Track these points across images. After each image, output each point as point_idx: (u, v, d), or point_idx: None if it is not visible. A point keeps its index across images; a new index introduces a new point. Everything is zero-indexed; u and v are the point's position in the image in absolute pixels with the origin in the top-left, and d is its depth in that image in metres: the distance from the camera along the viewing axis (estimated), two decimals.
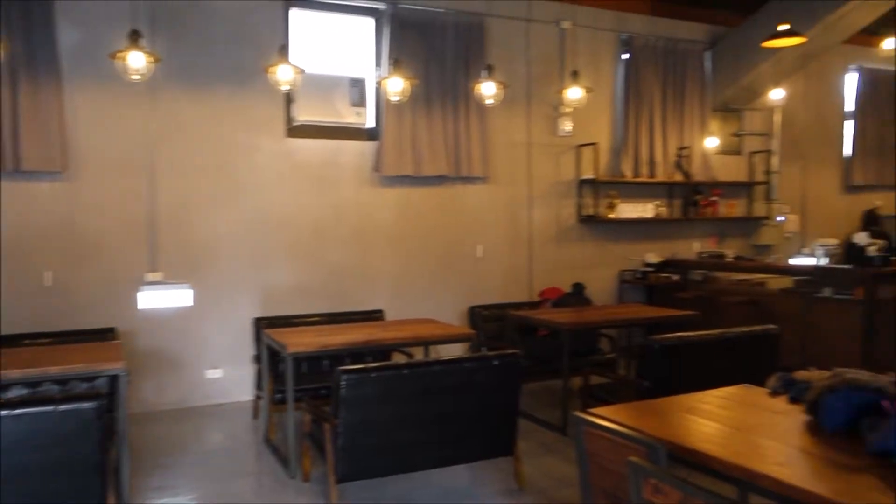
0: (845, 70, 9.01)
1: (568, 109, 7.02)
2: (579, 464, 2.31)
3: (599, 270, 7.41)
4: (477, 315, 6.23)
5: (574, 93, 6.19)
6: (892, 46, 7.53)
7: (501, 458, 3.89)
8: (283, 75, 4.96)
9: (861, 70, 9.01)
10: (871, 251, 6.02)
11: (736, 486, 2.14)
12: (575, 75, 6.19)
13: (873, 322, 5.75)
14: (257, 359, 5.28)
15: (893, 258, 6.17)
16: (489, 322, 6.17)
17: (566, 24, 7.11)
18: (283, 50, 5.08)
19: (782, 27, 5.81)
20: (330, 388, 3.47)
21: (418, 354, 5.05)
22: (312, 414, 3.82)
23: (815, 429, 2.25)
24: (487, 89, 5.63)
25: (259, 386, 5.25)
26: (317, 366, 5.06)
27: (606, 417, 2.31)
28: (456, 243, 6.75)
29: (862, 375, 2.28)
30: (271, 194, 5.99)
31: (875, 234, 6.57)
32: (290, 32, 6.02)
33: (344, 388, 3.32)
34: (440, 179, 6.60)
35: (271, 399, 4.71)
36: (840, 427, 2.19)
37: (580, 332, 5.39)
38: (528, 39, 6.98)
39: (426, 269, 6.62)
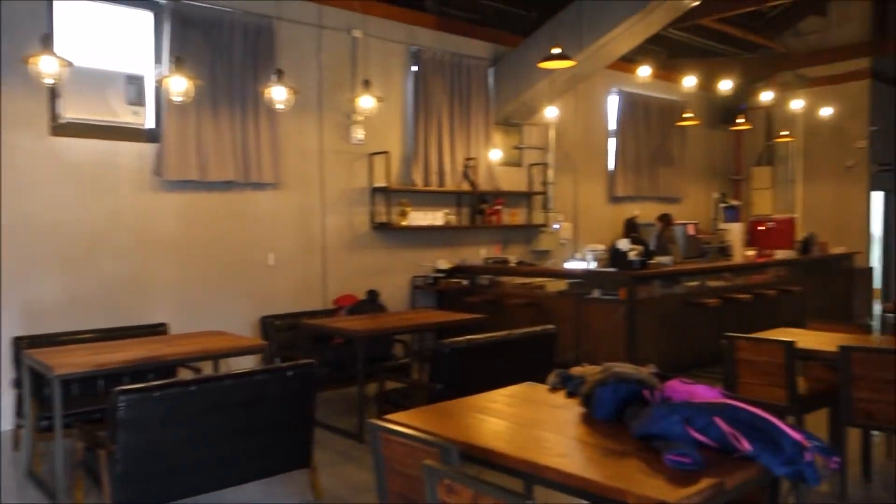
0: (608, 92, 9.99)
1: (360, 118, 7.08)
2: (376, 470, 2.33)
3: (393, 277, 7.54)
4: (269, 325, 6.06)
5: (366, 101, 6.25)
6: (646, 73, 8.49)
7: (298, 470, 3.81)
8: (46, 67, 4.49)
9: (621, 93, 10.05)
10: (632, 256, 6.72)
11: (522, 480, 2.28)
12: (366, 84, 6.26)
13: (635, 320, 6.41)
14: (17, 383, 4.71)
15: (650, 262, 6.94)
16: (282, 332, 6.03)
17: (357, 33, 7.17)
18: (47, 40, 4.59)
19: (555, 50, 6.31)
20: (106, 410, 3.19)
21: (207, 369, 4.80)
22: (85, 440, 3.48)
23: (590, 419, 2.46)
24: (278, 94, 5.51)
25: (20, 413, 4.69)
26: (91, 387, 4.62)
27: (400, 423, 2.35)
28: (246, 251, 6.52)
29: (627, 368, 2.53)
30: (34, 198, 5.39)
31: (635, 241, 7.34)
32: (54, 21, 5.46)
33: (122, 409, 3.07)
34: (228, 185, 6.34)
35: (35, 427, 4.22)
36: (610, 416, 2.42)
37: (375, 338, 5.44)
38: (319, 45, 6.94)
39: (214, 278, 6.32)
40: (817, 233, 9.75)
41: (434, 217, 7.74)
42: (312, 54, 6.89)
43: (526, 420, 2.57)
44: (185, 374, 4.58)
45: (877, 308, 10.80)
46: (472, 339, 4.22)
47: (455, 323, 5.52)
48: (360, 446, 4.78)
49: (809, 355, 3.94)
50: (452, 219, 7.98)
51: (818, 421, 4.09)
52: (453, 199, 8.04)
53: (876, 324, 9.67)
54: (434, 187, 7.75)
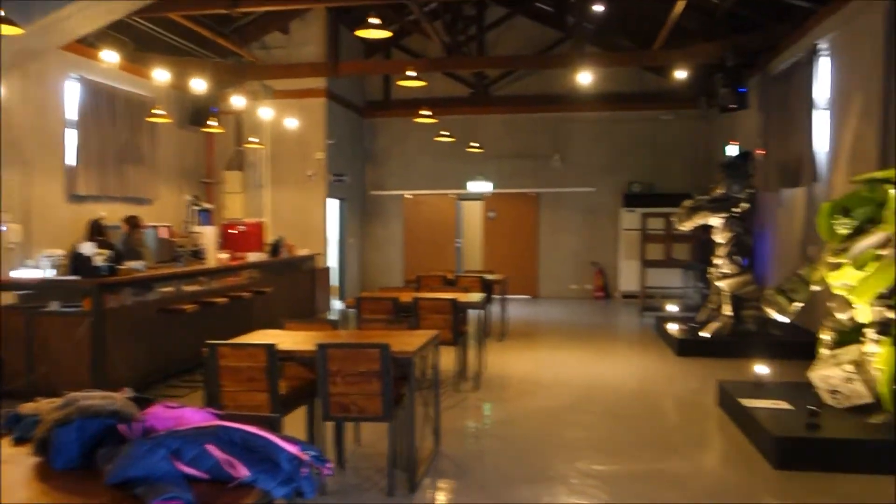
0: (67, 77, 8.83)
1: None
2: None
3: None
4: None
5: None
6: (112, 59, 7.72)
7: None
8: None
9: (83, 80, 8.99)
10: (98, 261, 5.99)
11: None
12: None
13: (104, 333, 5.71)
14: None
15: (119, 267, 6.29)
16: None
17: None
18: None
19: None
20: None
21: None
22: None
23: (48, 472, 1.92)
24: None
25: None
26: None
27: None
28: None
29: (96, 399, 2.06)
30: None
31: (102, 245, 6.59)
32: None
33: None
34: None
35: None
36: (75, 463, 1.92)
37: None
38: None
39: None
40: (285, 236, 10.33)
41: None
42: None
43: None
44: None
45: (336, 304, 12.02)
46: None
47: None
48: None
49: (290, 356, 3.98)
50: None
51: (295, 419, 4.18)
52: None
53: (337, 318, 10.72)
54: None
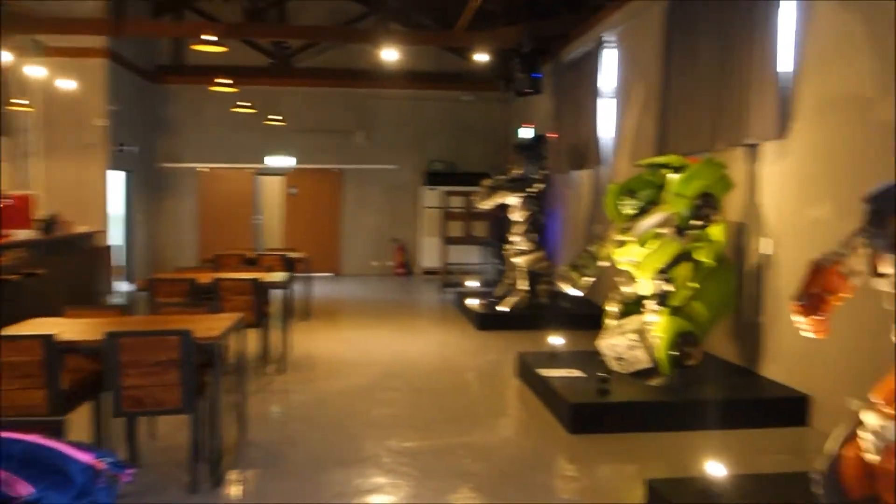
0: None
1: None
2: None
3: None
4: None
5: None
6: None
7: None
8: None
9: None
10: None
11: None
12: None
13: None
14: None
15: None
16: None
17: None
18: None
19: None
20: None
21: None
22: None
23: None
24: None
25: None
26: None
27: None
28: None
29: None
30: None
31: None
32: None
33: None
34: None
35: None
36: None
37: None
38: None
39: None
40: (60, 211, 9.28)
41: None
42: None
43: None
44: None
45: (122, 286, 11.06)
46: None
47: None
48: None
49: (73, 347, 3.55)
50: None
51: (79, 417, 3.76)
52: None
53: (122, 301, 9.86)
54: None
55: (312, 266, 9.66)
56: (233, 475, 3.96)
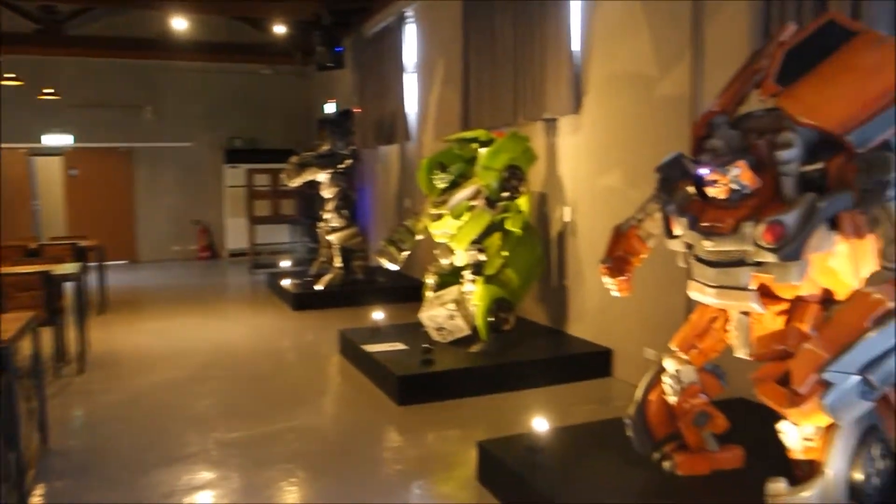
0: None
1: None
2: None
3: None
4: None
5: None
6: None
7: None
8: None
9: None
10: None
11: None
12: None
13: None
14: None
15: None
16: None
17: None
18: None
19: None
20: None
21: None
22: None
23: None
24: None
25: None
26: None
27: None
28: None
29: None
30: None
31: None
32: None
33: None
34: None
35: None
36: None
37: None
38: None
39: None
40: None
41: None
42: None
43: None
44: None
45: None
46: None
47: None
48: None
49: None
50: None
51: None
52: None
53: None
54: None
55: (106, 254, 8.90)
56: (39, 491, 3.60)
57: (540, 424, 3.44)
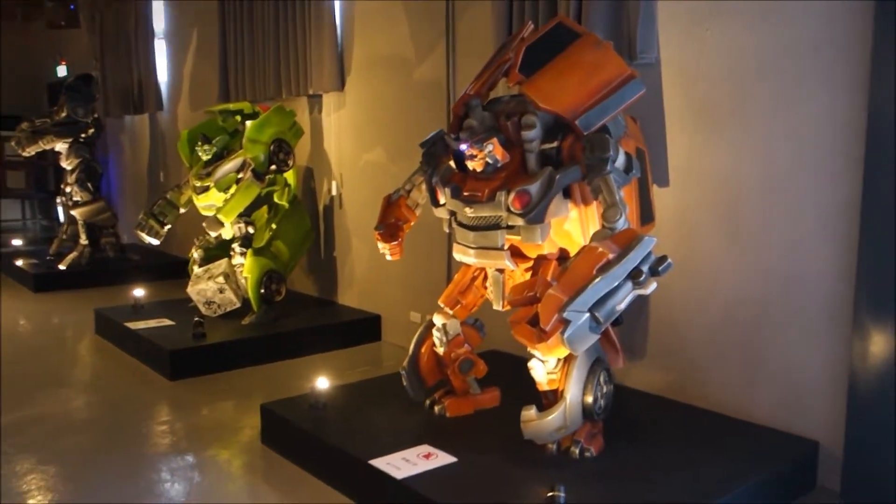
0: None
1: None
2: None
3: None
4: None
5: None
6: None
7: None
8: None
9: None
10: None
11: None
12: None
13: None
14: None
15: None
16: None
17: None
18: None
19: None
20: None
21: None
22: None
23: None
24: None
25: None
26: None
27: None
28: None
29: None
30: None
31: None
32: None
33: None
34: None
35: None
36: None
37: None
38: None
39: None
40: None
41: None
42: None
43: None
44: None
45: None
46: None
47: None
48: None
49: None
50: None
51: None
52: None
53: None
54: None
55: None
56: None
57: (322, 383, 3.68)
